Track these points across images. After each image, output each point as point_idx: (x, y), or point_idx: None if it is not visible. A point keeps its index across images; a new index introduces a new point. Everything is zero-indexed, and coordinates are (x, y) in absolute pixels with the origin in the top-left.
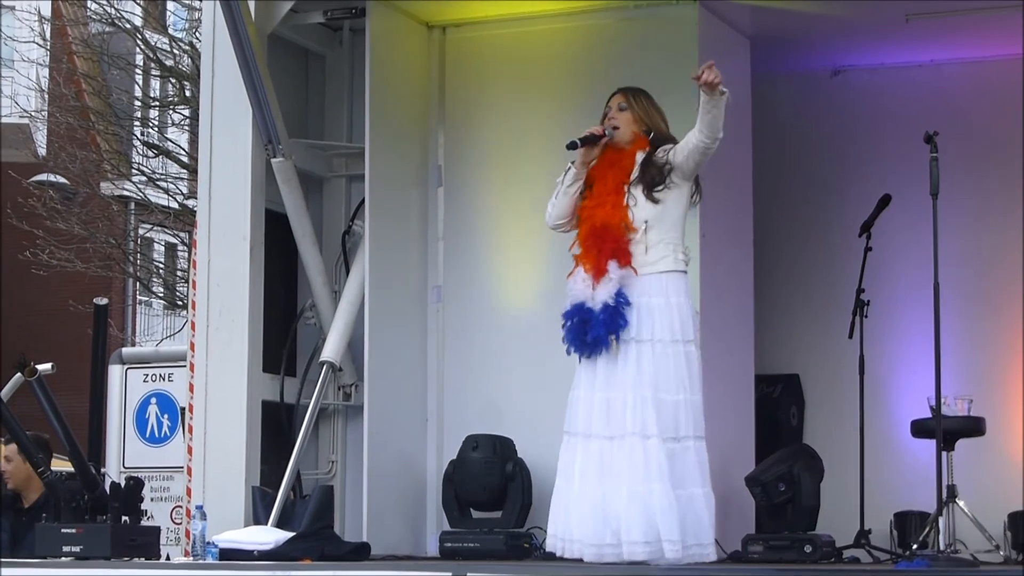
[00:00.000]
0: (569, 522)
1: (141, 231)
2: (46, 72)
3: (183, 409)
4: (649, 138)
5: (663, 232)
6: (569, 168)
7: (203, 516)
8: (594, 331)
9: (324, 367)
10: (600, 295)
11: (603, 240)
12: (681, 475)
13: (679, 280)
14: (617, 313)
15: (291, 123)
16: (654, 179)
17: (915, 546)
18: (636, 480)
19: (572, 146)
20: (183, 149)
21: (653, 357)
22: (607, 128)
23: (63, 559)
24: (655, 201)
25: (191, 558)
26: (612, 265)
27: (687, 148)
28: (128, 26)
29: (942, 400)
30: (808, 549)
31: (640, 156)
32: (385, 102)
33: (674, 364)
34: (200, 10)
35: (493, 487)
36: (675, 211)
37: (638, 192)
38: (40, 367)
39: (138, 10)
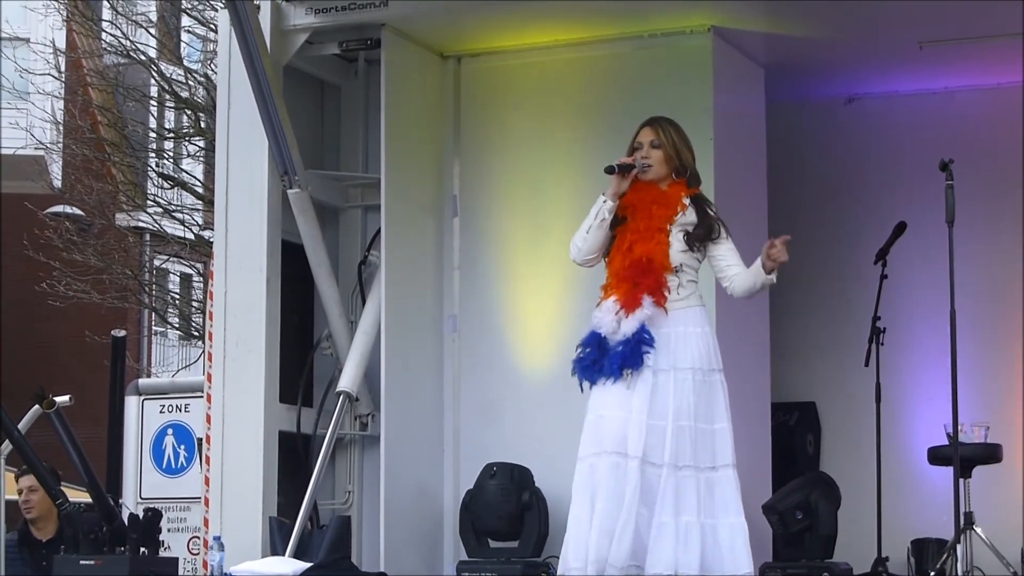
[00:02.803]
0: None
1: (156, 262)
2: (61, 104)
3: (200, 440)
4: (686, 178)
5: (690, 276)
6: (604, 201)
7: (221, 547)
8: (611, 363)
9: (341, 397)
10: (627, 327)
11: (643, 274)
12: (722, 504)
13: (705, 312)
14: (638, 349)
15: (307, 154)
16: (702, 235)
17: (933, 573)
18: (666, 512)
19: (610, 170)
20: (198, 180)
21: (693, 385)
22: (638, 161)
23: None
24: (693, 249)
25: None
26: (647, 301)
27: (718, 269)
28: (143, 58)
29: (959, 427)
30: None
31: (688, 202)
32: (400, 133)
33: (712, 393)
34: (215, 42)
35: (509, 515)
36: (701, 259)
37: (681, 237)
38: (58, 399)
39: (153, 42)
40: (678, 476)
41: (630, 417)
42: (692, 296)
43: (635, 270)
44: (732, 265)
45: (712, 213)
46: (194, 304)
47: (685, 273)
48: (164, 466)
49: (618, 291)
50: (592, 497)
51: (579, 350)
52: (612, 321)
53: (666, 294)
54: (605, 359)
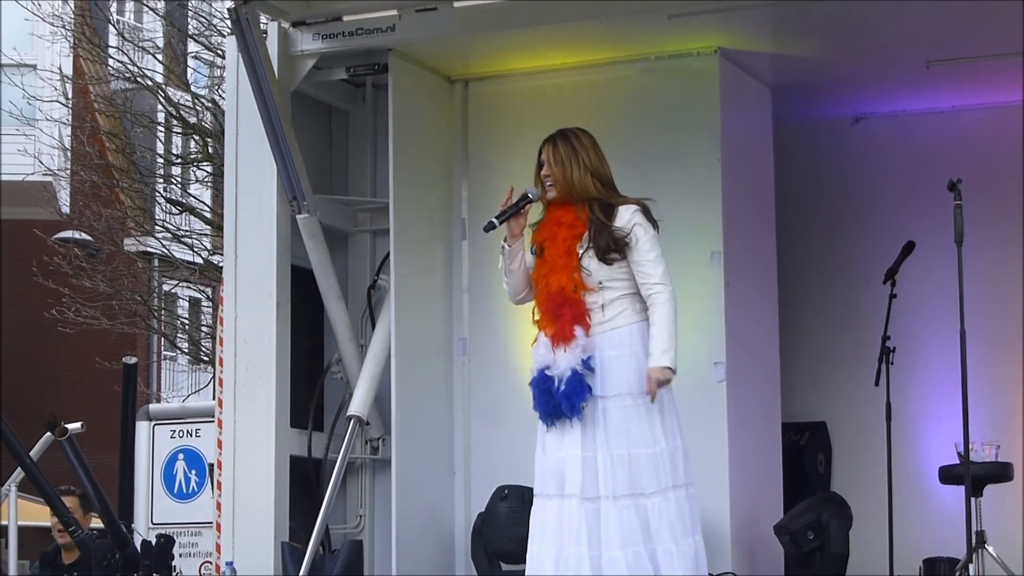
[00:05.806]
0: None
1: (165, 287)
2: (69, 131)
3: (211, 465)
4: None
5: (620, 289)
6: (503, 247)
7: (233, 572)
8: (563, 402)
9: (351, 421)
10: (566, 361)
11: (561, 305)
12: (659, 529)
13: (642, 328)
14: (583, 382)
15: (315, 179)
16: (607, 247)
17: None
18: (613, 545)
19: (490, 227)
20: (207, 205)
21: (622, 411)
22: (529, 191)
23: None
24: (609, 263)
25: None
26: (579, 331)
27: (639, 277)
28: (150, 84)
29: (970, 446)
30: None
31: (586, 217)
32: (408, 156)
33: (647, 415)
34: (222, 67)
35: (520, 537)
36: (627, 268)
37: (591, 255)
38: (70, 426)
39: (160, 68)
40: (619, 507)
41: (567, 454)
42: (622, 314)
43: (554, 303)
44: (646, 285)
45: (616, 230)
46: (203, 329)
47: (611, 289)
48: (175, 491)
49: (547, 326)
50: (542, 537)
51: (533, 392)
52: (547, 354)
53: (589, 321)
54: (559, 398)
